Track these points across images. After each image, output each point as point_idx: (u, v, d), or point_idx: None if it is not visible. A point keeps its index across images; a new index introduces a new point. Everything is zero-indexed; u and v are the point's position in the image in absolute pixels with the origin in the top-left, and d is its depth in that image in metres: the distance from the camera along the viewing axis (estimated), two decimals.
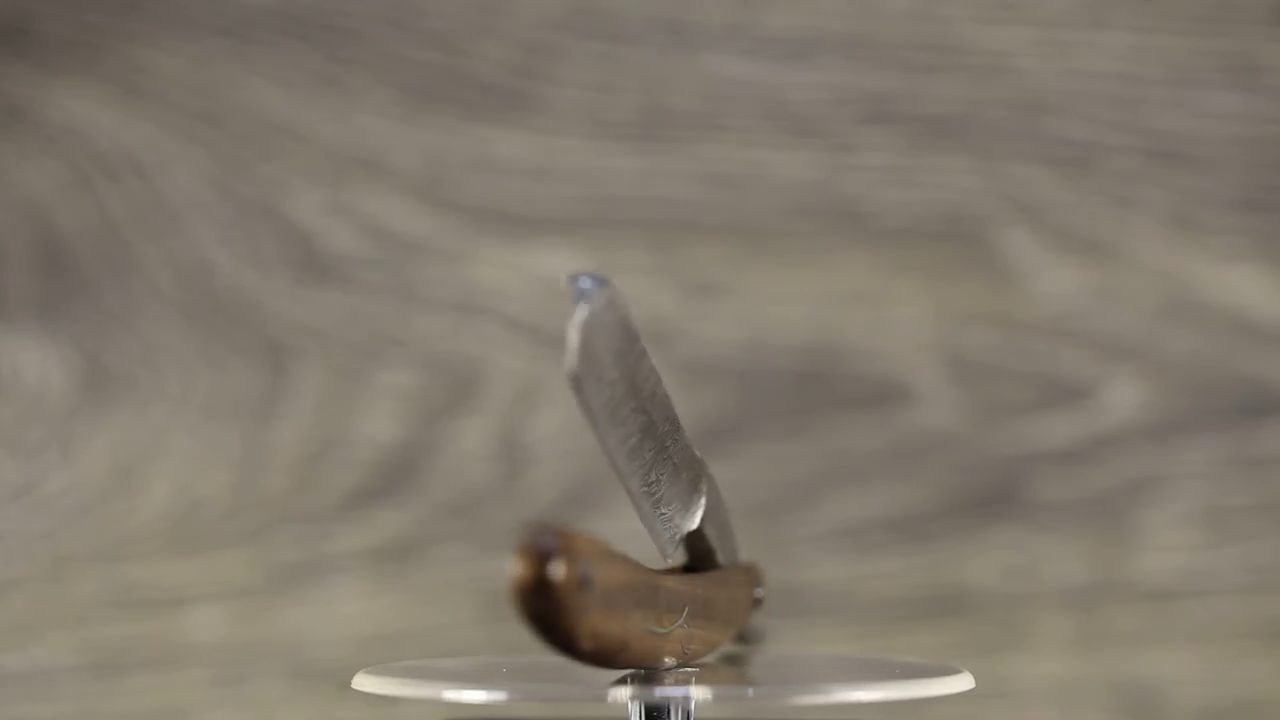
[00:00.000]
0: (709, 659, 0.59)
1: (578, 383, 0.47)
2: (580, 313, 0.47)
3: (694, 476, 0.56)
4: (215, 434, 0.84)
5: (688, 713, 0.52)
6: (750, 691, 0.47)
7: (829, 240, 0.87)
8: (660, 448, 0.52)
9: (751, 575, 0.63)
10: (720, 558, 0.60)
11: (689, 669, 0.54)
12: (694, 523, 0.55)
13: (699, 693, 0.48)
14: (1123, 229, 0.88)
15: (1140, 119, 0.88)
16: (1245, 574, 0.87)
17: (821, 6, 0.87)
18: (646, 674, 0.50)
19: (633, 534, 0.54)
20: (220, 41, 0.85)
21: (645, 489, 0.51)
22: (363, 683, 0.54)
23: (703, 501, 0.56)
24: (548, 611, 0.44)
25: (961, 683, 0.54)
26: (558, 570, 0.44)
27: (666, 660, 0.50)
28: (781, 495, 0.86)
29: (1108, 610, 0.87)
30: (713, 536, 0.58)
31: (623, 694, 0.48)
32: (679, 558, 0.59)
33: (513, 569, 0.44)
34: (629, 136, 0.87)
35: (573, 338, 0.47)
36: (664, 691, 0.48)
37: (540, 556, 0.44)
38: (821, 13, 0.87)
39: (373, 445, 0.85)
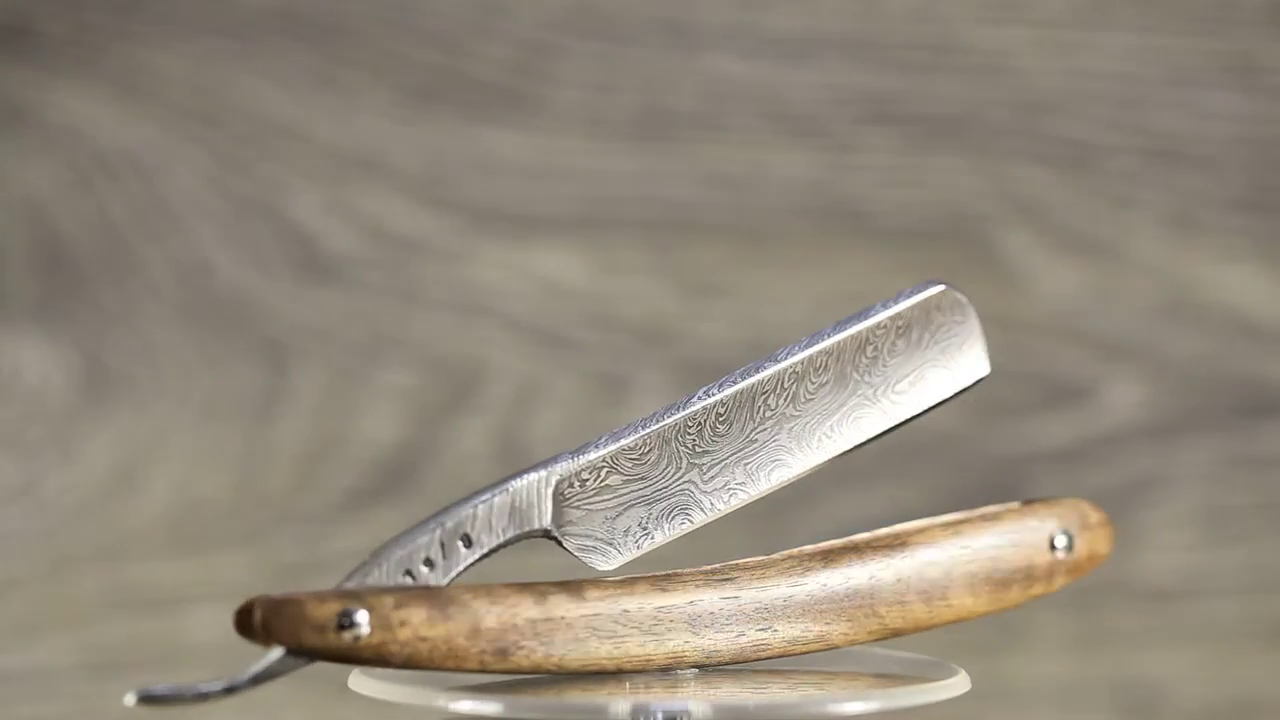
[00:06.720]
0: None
1: None
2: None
3: None
4: (215, 434, 0.85)
5: None
6: (751, 704, 0.48)
7: (829, 240, 0.87)
8: None
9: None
10: None
11: (686, 674, 0.54)
12: None
13: (698, 706, 0.48)
14: (1123, 229, 0.88)
15: (1140, 119, 0.88)
16: (1245, 574, 0.88)
17: (821, 6, 0.87)
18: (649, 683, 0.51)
19: None
20: (220, 41, 0.85)
21: None
22: (359, 683, 0.54)
23: None
24: None
25: (958, 685, 0.54)
26: None
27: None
28: (781, 495, 0.86)
29: (1108, 610, 0.87)
30: None
31: (623, 707, 0.48)
32: None
33: None
34: (629, 136, 0.87)
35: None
36: (664, 705, 0.48)
37: None
38: (821, 13, 0.87)
39: (373, 445, 0.85)
